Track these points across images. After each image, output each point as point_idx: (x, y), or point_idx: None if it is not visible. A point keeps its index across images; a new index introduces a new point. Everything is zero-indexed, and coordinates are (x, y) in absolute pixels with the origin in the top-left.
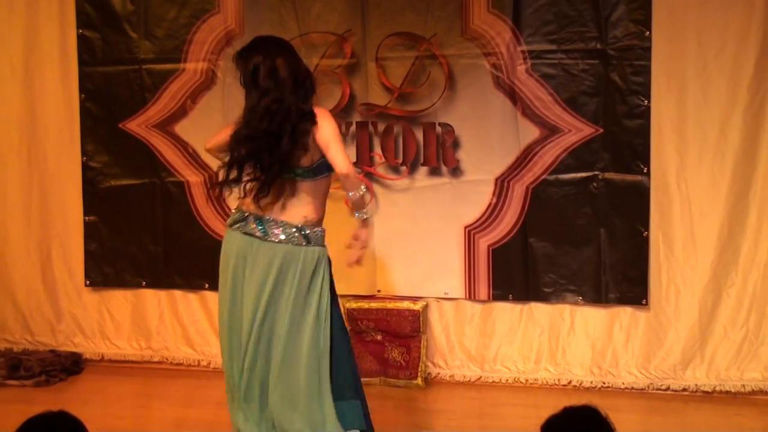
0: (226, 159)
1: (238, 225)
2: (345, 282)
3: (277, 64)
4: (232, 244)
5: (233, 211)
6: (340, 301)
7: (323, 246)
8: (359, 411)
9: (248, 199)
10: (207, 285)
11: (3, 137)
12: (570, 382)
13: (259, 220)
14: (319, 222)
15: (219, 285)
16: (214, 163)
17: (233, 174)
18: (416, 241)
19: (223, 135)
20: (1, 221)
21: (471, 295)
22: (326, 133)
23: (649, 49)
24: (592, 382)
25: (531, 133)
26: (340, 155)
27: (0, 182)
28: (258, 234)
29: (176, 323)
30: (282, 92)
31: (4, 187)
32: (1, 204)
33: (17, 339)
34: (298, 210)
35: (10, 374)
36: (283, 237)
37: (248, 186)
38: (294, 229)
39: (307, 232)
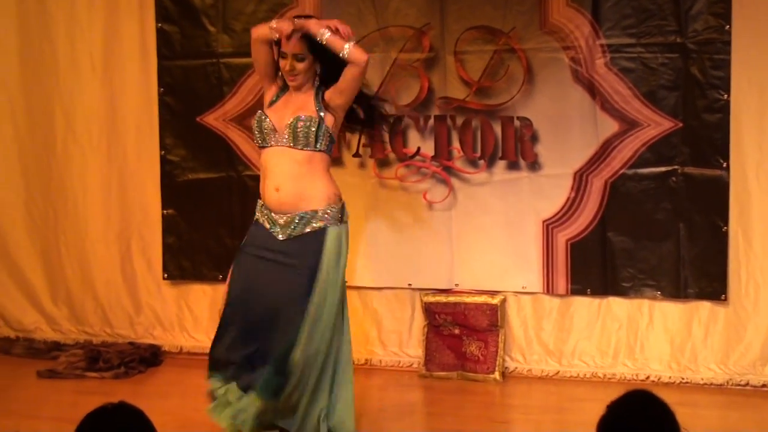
0: None
1: None
2: (423, 276)
3: None
4: None
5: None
6: (419, 294)
7: None
8: None
9: None
10: None
11: (83, 131)
12: (648, 377)
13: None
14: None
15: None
16: None
17: None
18: (494, 235)
19: None
20: (81, 215)
21: (549, 289)
22: None
23: (729, 43)
24: (670, 378)
25: (610, 127)
26: None
27: (80, 176)
28: None
29: None
30: None
31: (84, 180)
32: (81, 197)
33: (96, 331)
34: None
35: (89, 366)
36: None
37: None
38: None
39: None
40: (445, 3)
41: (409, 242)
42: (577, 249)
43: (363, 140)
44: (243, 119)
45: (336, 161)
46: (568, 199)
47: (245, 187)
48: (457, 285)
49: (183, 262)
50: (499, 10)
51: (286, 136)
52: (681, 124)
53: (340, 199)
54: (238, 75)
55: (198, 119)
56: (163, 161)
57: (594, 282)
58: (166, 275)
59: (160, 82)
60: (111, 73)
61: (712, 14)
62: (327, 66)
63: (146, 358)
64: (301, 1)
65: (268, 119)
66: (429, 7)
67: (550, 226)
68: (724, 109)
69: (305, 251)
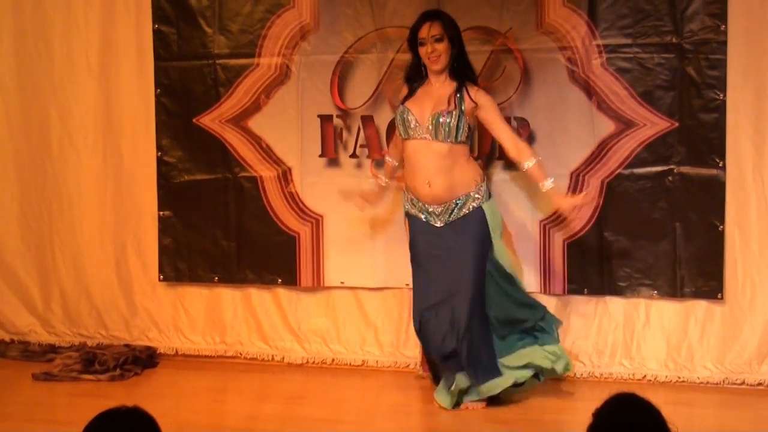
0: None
1: None
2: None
3: None
4: None
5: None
6: None
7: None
8: None
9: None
10: (280, 280)
11: (79, 132)
12: (645, 376)
13: None
14: (405, 184)
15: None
16: (287, 157)
17: None
18: None
19: None
20: (76, 216)
21: (546, 289)
22: None
23: (725, 43)
24: (666, 377)
25: (606, 127)
26: None
27: (75, 177)
28: None
29: (250, 318)
30: None
31: (79, 182)
32: (76, 199)
33: (92, 333)
34: None
35: (84, 369)
36: None
37: None
38: None
39: None
40: (441, 4)
41: (406, 242)
42: (574, 249)
43: (360, 141)
44: (239, 120)
45: (333, 162)
46: None
47: (241, 188)
48: None
49: (179, 264)
50: (495, 10)
51: (429, 130)
52: (677, 124)
53: (483, 178)
54: (234, 76)
55: (194, 120)
56: (160, 162)
57: (591, 282)
58: (161, 277)
59: (157, 83)
60: (107, 74)
61: (708, 14)
62: (459, 49)
63: (142, 360)
64: (298, 3)
65: (411, 113)
66: (426, 7)
67: (547, 226)
68: (720, 108)
69: (469, 230)
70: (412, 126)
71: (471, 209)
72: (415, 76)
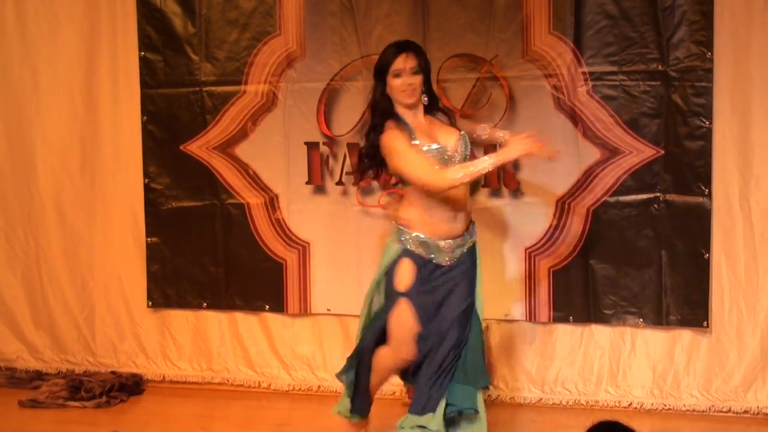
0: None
1: None
2: None
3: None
4: None
5: None
6: None
7: (397, 241)
8: None
9: None
10: (267, 307)
11: (68, 159)
12: (631, 404)
13: None
14: (407, 221)
15: None
16: (274, 184)
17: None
18: None
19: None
20: (64, 243)
21: (532, 317)
22: (385, 146)
23: (710, 71)
24: (653, 405)
25: (592, 154)
26: (404, 166)
27: (62, 204)
28: None
29: (237, 345)
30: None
31: (66, 208)
32: (63, 226)
33: (79, 360)
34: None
35: (71, 396)
36: None
37: None
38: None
39: (393, 226)
40: (427, 31)
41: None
42: (560, 276)
43: (346, 168)
44: (226, 147)
45: (319, 189)
46: (550, 226)
47: (228, 215)
48: None
49: (167, 290)
50: (481, 37)
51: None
52: (663, 152)
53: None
54: (221, 103)
55: (181, 147)
56: (147, 189)
57: (576, 309)
58: (150, 303)
59: (144, 110)
60: (95, 100)
61: (694, 42)
62: (428, 83)
63: (128, 387)
64: (284, 31)
65: (441, 145)
66: (412, 35)
67: (532, 254)
68: (706, 136)
69: (468, 268)
70: (447, 159)
71: (472, 244)
72: (388, 111)
